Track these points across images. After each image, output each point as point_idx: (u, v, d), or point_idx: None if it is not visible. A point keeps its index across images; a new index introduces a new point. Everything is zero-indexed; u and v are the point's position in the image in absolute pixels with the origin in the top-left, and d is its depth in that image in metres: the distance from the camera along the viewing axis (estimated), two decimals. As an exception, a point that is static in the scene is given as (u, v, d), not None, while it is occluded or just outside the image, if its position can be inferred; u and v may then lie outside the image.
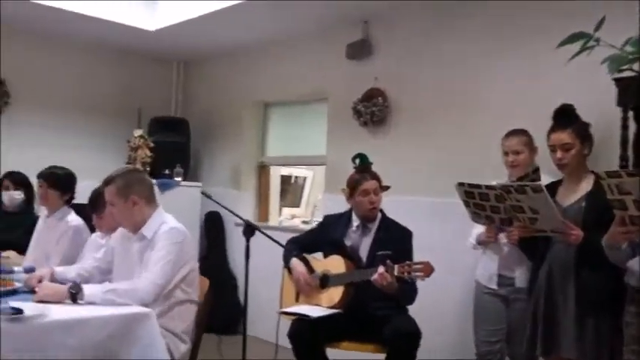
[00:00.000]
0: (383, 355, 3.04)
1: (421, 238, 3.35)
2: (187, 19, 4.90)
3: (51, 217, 3.67)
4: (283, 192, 6.53)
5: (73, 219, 3.59)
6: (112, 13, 5.00)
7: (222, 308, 4.64)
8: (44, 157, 5.25)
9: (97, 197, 3.19)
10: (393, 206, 3.45)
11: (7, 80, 5.30)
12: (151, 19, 5.19)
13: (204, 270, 2.89)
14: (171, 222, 2.69)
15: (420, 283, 3.03)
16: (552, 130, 2.74)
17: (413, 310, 3.22)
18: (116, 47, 5.85)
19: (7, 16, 4.94)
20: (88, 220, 3.51)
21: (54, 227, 3.59)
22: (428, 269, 2.86)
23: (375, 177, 3.31)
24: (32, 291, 2.42)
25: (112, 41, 5.66)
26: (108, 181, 2.71)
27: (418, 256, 3.15)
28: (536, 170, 2.97)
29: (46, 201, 3.67)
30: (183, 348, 2.66)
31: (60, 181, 3.67)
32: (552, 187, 2.74)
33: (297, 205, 7.22)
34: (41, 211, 3.88)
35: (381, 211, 3.36)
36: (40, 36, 5.43)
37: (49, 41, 5.52)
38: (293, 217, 6.64)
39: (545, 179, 2.82)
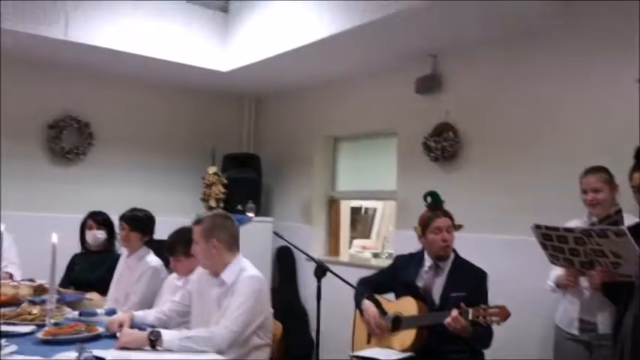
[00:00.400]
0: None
1: (496, 278, 3.25)
2: (258, 60, 5.05)
3: (131, 257, 3.81)
4: (354, 223, 6.54)
5: (152, 259, 3.72)
6: (187, 56, 5.21)
7: (293, 343, 4.65)
8: (124, 195, 5.55)
9: (174, 241, 3.30)
10: (466, 244, 3.38)
11: (91, 123, 5.60)
12: (223, 61, 5.37)
13: (275, 304, 2.93)
14: (250, 269, 2.76)
15: (496, 326, 2.95)
16: (635, 169, 2.62)
17: (488, 354, 3.12)
18: (191, 88, 6.09)
19: (94, 63, 5.25)
20: (162, 256, 3.66)
21: (134, 267, 3.73)
22: (504, 314, 2.78)
23: (447, 215, 3.26)
24: (114, 335, 2.51)
25: (188, 82, 5.89)
26: (198, 221, 2.85)
27: (493, 296, 3.06)
28: (619, 212, 2.82)
29: (127, 242, 3.82)
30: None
31: (141, 223, 3.82)
32: (637, 229, 2.61)
33: (368, 237, 7.20)
34: (122, 250, 4.03)
35: (454, 250, 3.30)
36: (120, 79, 5.72)
37: (129, 84, 5.81)
38: (364, 248, 6.62)
39: (628, 219, 2.70)
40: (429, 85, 4.57)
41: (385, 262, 4.79)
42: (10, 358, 2.13)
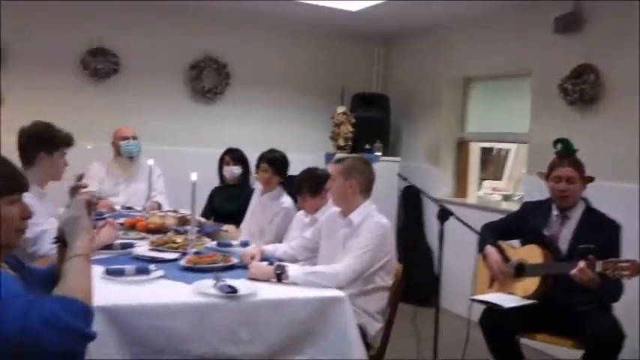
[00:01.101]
0: (579, 352, 2.92)
1: (630, 231, 3.10)
2: (388, -1, 4.97)
3: (265, 196, 4.02)
4: (484, 164, 6.38)
5: (285, 200, 3.91)
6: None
7: (418, 281, 4.74)
8: (258, 132, 5.83)
9: (302, 181, 3.47)
10: (599, 193, 3.23)
11: (228, 63, 5.88)
12: (353, 1, 5.35)
13: (400, 244, 3.02)
14: (377, 216, 2.87)
15: (627, 280, 2.83)
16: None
17: (619, 309, 3.02)
18: (321, 28, 6.14)
19: (231, 7, 5.46)
20: (292, 192, 3.85)
21: (268, 206, 3.96)
22: (635, 268, 2.66)
23: (574, 165, 3.12)
24: (246, 266, 2.73)
25: (318, 23, 5.95)
26: (339, 160, 3.01)
27: (626, 250, 2.93)
28: None
29: (267, 183, 3.99)
30: (377, 326, 2.85)
31: (280, 165, 3.97)
32: None
33: (499, 178, 7.01)
34: (256, 185, 4.28)
35: (586, 200, 3.16)
36: (255, 22, 5.90)
37: (262, 25, 5.98)
38: (494, 190, 6.48)
39: None
40: (569, 23, 4.27)
41: (516, 206, 4.68)
42: (158, 281, 2.42)
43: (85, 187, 3.26)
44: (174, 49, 5.68)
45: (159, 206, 4.40)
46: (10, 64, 5.15)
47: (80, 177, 3.43)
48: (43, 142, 2.87)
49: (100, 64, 5.41)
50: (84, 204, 1.63)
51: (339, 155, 3.09)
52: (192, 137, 5.77)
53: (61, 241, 1.68)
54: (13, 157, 1.84)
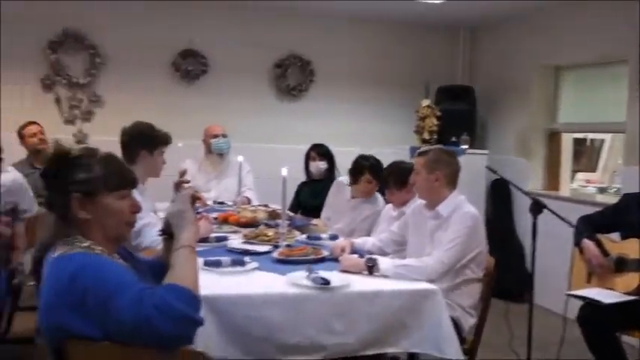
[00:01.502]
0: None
1: None
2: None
3: (358, 199, 3.93)
4: (577, 155, 6.14)
5: (381, 202, 3.84)
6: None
7: (509, 276, 4.62)
8: (342, 127, 5.88)
9: (388, 174, 3.46)
10: None
11: (312, 61, 5.95)
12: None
13: (489, 237, 2.95)
14: (466, 206, 2.82)
15: None
16: None
17: None
18: (404, 21, 6.10)
19: (313, 5, 5.52)
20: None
21: (361, 208, 3.87)
22: None
23: None
24: (336, 259, 2.76)
25: (401, 15, 5.91)
26: (421, 153, 2.95)
27: None
28: None
29: (370, 194, 3.86)
30: (471, 321, 2.80)
31: (380, 171, 3.74)
32: None
33: (593, 170, 6.72)
34: (341, 178, 4.30)
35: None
36: (337, 17, 5.94)
37: (345, 21, 6.00)
38: (588, 182, 6.22)
39: None
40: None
41: (612, 199, 4.47)
42: (253, 272, 2.49)
43: (188, 182, 3.40)
44: (260, 49, 5.81)
45: (248, 201, 4.52)
46: (108, 67, 5.45)
47: (183, 173, 3.58)
48: (145, 141, 3.02)
49: (190, 66, 5.63)
50: (188, 198, 1.71)
51: (423, 148, 3.03)
52: (277, 134, 5.88)
53: (167, 233, 1.77)
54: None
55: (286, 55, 5.90)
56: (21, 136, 4.67)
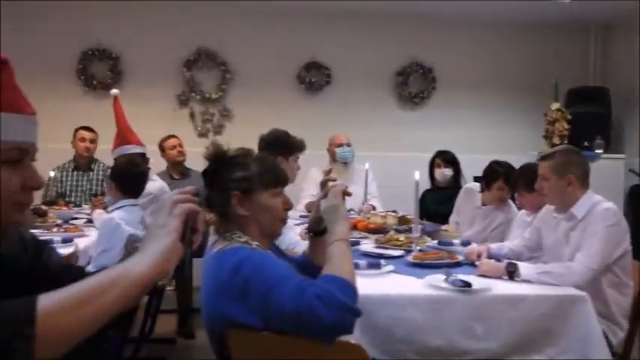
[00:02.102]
0: None
1: None
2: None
3: (490, 206, 3.83)
4: None
5: (514, 209, 3.73)
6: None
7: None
8: (467, 134, 5.78)
9: (516, 177, 3.35)
10: None
11: (434, 67, 5.92)
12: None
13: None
14: (604, 202, 2.64)
15: None
16: None
17: None
18: (528, 23, 5.90)
19: (434, 11, 5.50)
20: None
21: (493, 216, 3.78)
22: None
23: None
24: (472, 264, 2.71)
25: (525, 17, 5.73)
26: (546, 157, 2.78)
27: None
28: None
29: (504, 200, 3.74)
30: (621, 334, 2.60)
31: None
32: None
33: None
34: (469, 186, 4.21)
35: None
36: (458, 22, 5.86)
37: (466, 25, 5.91)
38: None
39: None
40: None
41: None
42: (389, 275, 2.51)
43: (335, 180, 3.49)
44: (381, 58, 5.86)
45: (373, 209, 4.55)
46: (237, 82, 5.72)
47: (328, 172, 3.66)
48: (281, 148, 3.14)
49: (314, 78, 5.78)
50: (340, 193, 1.76)
51: (546, 151, 2.82)
52: (399, 142, 5.88)
53: (313, 231, 1.83)
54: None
55: (408, 63, 5.90)
56: (162, 148, 5.00)
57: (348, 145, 4.93)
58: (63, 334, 0.88)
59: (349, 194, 1.83)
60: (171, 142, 5.00)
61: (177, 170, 4.96)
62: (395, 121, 5.94)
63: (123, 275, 0.93)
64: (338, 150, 4.90)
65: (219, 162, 1.72)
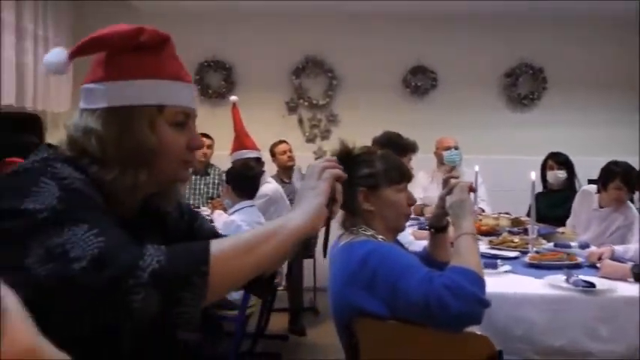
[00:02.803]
0: None
1: None
2: None
3: (606, 209, 3.70)
4: None
5: (634, 213, 3.58)
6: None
7: None
8: (575, 136, 5.57)
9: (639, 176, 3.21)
10: None
11: (545, 67, 5.77)
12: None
13: None
14: None
15: None
16: None
17: None
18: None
19: (540, 10, 5.36)
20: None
21: (610, 219, 3.64)
22: None
23: None
24: (593, 265, 2.64)
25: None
26: None
27: None
28: None
29: (618, 203, 3.61)
30: None
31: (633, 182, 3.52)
32: None
33: None
34: (585, 189, 4.07)
35: None
36: (567, 20, 5.66)
37: (574, 23, 5.69)
38: None
39: None
40: None
41: None
42: (507, 275, 2.50)
43: (457, 177, 3.51)
44: (488, 59, 5.78)
45: (482, 211, 4.50)
46: (343, 88, 5.85)
47: (451, 169, 3.67)
48: (393, 149, 3.19)
49: (419, 82, 5.80)
50: (466, 188, 1.80)
51: None
52: (509, 145, 5.76)
53: (434, 227, 1.88)
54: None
55: (516, 64, 5.78)
56: (272, 153, 5.20)
57: (456, 148, 4.89)
58: (230, 276, 1.01)
59: (475, 190, 1.86)
60: (282, 147, 5.18)
61: (287, 174, 5.14)
62: (504, 123, 5.83)
63: (281, 228, 1.05)
64: (445, 153, 4.88)
65: (346, 159, 1.80)
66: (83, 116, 1.14)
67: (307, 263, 4.87)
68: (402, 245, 1.92)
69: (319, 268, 5.05)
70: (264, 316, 4.01)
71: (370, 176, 1.76)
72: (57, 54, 1.16)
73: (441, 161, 4.95)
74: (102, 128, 1.11)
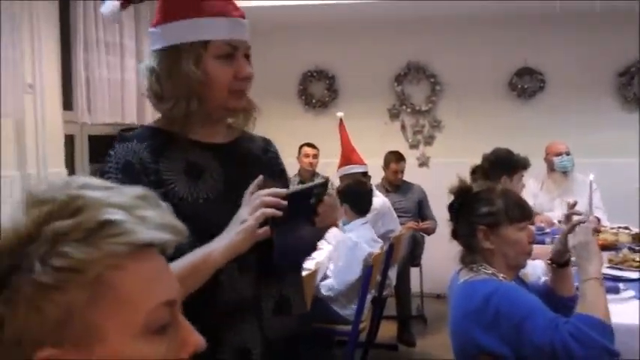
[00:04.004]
0: None
1: None
2: None
3: None
4: None
5: None
6: None
7: None
8: None
9: None
10: None
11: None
12: None
13: None
14: None
15: None
16: None
17: None
18: None
19: None
20: None
21: None
22: None
23: None
24: None
25: None
26: None
27: None
28: None
29: None
30: None
31: None
32: None
33: None
34: None
35: None
36: None
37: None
38: None
39: None
40: None
41: None
42: (630, 301, 2.40)
43: (581, 214, 3.45)
44: (599, 58, 5.51)
45: (598, 221, 4.33)
46: (446, 93, 5.80)
47: (573, 205, 3.58)
48: (504, 167, 3.17)
49: (526, 84, 5.64)
50: (590, 229, 1.78)
51: None
52: (625, 148, 5.47)
53: (555, 262, 1.87)
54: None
55: (632, 62, 5.48)
56: (387, 165, 5.15)
57: (567, 153, 4.73)
58: None
59: (599, 231, 1.84)
60: (400, 166, 5.06)
61: (393, 186, 5.14)
62: (618, 125, 5.53)
63: (204, 263, 1.15)
64: (556, 159, 4.73)
65: (465, 197, 1.84)
66: (150, 58, 1.31)
67: (415, 271, 4.90)
68: (522, 282, 1.92)
69: (426, 276, 5.06)
70: (374, 325, 4.09)
71: (490, 215, 1.78)
72: (109, 5, 1.37)
73: (551, 167, 4.80)
74: (158, 67, 1.28)
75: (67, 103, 4.03)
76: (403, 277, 4.53)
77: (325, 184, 1.26)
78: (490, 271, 1.75)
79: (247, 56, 1.32)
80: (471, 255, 1.82)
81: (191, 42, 1.25)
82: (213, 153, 1.33)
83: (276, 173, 1.44)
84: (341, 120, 4.56)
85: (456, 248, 1.89)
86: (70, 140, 4.13)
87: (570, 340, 1.49)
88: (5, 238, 0.65)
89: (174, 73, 1.25)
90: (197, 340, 0.71)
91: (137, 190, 0.71)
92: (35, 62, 3.55)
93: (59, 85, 3.84)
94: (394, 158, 5.13)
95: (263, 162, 1.42)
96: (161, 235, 0.68)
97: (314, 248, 1.48)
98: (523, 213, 1.80)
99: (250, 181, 1.23)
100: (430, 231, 4.90)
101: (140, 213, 0.68)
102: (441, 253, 2.28)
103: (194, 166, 1.29)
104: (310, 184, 1.28)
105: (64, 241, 0.64)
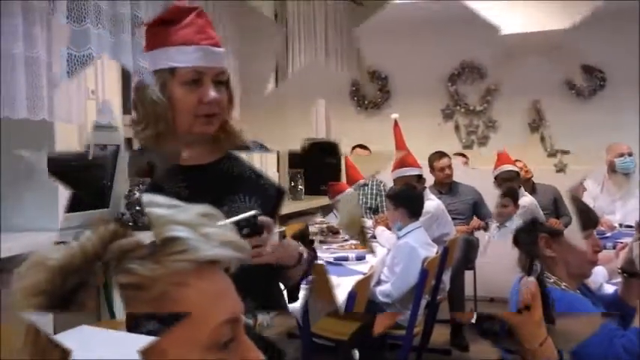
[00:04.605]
0: None
1: None
2: None
3: None
4: None
5: None
6: None
7: None
8: None
9: None
10: None
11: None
12: None
13: None
14: None
15: None
16: None
17: None
18: None
19: None
20: None
21: None
22: None
23: None
24: None
25: None
26: None
27: None
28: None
29: None
30: None
31: None
32: None
33: None
34: None
35: None
36: None
37: None
38: None
39: None
40: None
41: None
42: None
43: None
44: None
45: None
46: (501, 91, 5.70)
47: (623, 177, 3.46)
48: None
49: (585, 82, 5.48)
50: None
51: None
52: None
53: (626, 272, 1.79)
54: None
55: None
56: (432, 166, 5.11)
57: (630, 154, 4.59)
58: None
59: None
60: (443, 162, 4.97)
61: (445, 188, 5.05)
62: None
63: None
64: (618, 160, 4.59)
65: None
66: None
67: (468, 275, 4.82)
68: (587, 290, 1.85)
69: (480, 279, 4.96)
70: (427, 329, 4.03)
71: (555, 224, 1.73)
72: None
73: (612, 169, 4.66)
74: (134, 94, 1.42)
75: (127, 108, 4.13)
76: (457, 281, 4.45)
77: (253, 217, 1.18)
78: (552, 280, 1.70)
79: (221, 82, 1.38)
80: (532, 263, 1.77)
81: (158, 69, 1.36)
82: (184, 176, 1.41)
83: (260, 192, 1.43)
84: (396, 121, 4.53)
85: (509, 251, 1.85)
86: (129, 144, 4.23)
87: (624, 354, 1.45)
88: (73, 255, 0.66)
89: (143, 99, 1.37)
90: (257, 357, 0.71)
91: (201, 207, 0.72)
92: (97, 68, 3.64)
93: (119, 89, 3.94)
94: (436, 157, 5.03)
95: (247, 183, 1.44)
96: (224, 252, 0.68)
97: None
98: (590, 221, 1.75)
99: (219, 204, 1.22)
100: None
101: (204, 230, 0.68)
102: (495, 256, 2.24)
103: (159, 190, 1.38)
104: (236, 217, 1.13)
105: (130, 258, 0.65)
